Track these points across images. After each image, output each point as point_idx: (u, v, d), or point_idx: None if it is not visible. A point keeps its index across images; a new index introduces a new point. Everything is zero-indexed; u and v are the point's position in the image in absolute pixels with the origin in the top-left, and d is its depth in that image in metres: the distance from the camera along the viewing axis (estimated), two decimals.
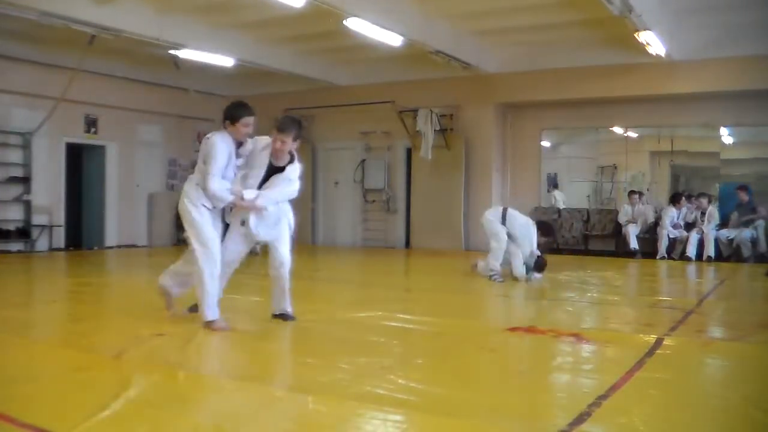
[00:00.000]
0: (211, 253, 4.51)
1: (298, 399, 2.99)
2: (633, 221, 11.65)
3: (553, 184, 13.53)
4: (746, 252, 10.62)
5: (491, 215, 7.74)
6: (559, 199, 13.39)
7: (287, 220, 4.84)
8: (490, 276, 7.42)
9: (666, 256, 11.09)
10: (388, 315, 5.31)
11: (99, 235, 13.15)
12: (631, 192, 11.97)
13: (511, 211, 7.68)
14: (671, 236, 11.18)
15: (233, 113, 4.54)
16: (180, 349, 3.96)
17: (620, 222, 11.95)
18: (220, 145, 4.50)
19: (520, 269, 7.38)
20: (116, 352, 3.83)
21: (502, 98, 12.77)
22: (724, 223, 10.98)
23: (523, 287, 7.15)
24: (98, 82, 12.26)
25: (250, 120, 4.56)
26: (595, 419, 2.73)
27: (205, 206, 4.55)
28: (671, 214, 11.24)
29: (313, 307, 5.61)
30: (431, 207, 12.96)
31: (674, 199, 11.44)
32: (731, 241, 10.76)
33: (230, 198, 4.54)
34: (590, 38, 10.93)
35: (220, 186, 4.49)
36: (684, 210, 11.29)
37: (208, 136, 4.65)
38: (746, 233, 10.60)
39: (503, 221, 7.53)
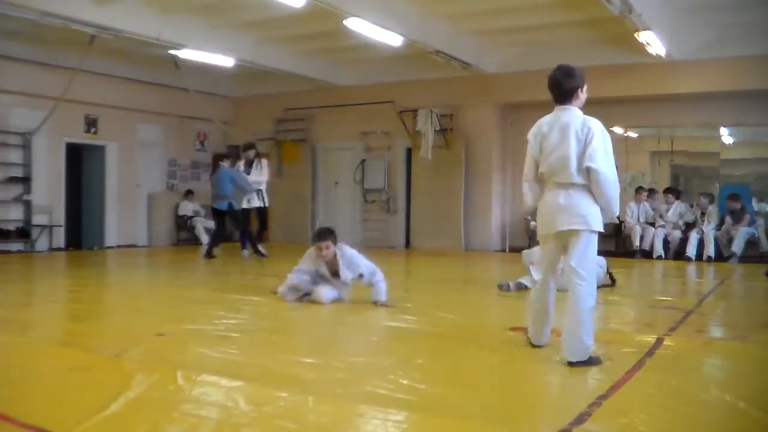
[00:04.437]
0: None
1: (298, 399, 2.99)
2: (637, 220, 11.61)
3: None
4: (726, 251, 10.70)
5: None
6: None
7: None
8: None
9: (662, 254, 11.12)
10: (388, 315, 5.32)
11: (99, 235, 13.15)
12: (639, 188, 11.86)
13: None
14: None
15: None
16: (180, 349, 3.96)
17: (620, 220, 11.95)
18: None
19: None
20: (116, 352, 3.83)
21: (502, 98, 12.76)
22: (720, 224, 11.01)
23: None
24: (98, 82, 12.26)
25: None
26: (595, 419, 2.73)
27: None
28: (664, 207, 11.43)
29: (313, 306, 5.62)
30: (431, 207, 12.95)
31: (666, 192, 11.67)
32: (730, 240, 10.75)
33: None
34: (590, 38, 10.92)
35: None
36: (675, 206, 11.32)
37: None
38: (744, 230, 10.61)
39: None
